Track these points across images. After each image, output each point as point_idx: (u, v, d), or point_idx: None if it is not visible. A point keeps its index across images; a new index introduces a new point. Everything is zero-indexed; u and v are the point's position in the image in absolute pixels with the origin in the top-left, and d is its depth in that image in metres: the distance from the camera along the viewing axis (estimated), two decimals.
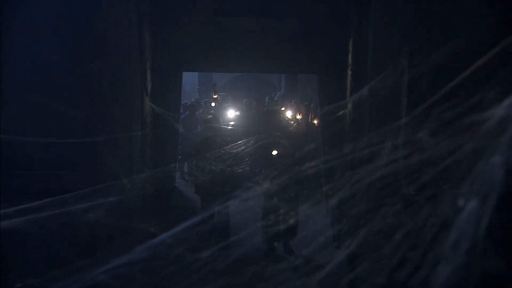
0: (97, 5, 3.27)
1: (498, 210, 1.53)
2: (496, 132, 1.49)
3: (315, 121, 7.45)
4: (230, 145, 4.86)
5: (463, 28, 2.41)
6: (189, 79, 13.91)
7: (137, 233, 3.53)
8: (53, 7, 3.16)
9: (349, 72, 4.30)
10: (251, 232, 4.38)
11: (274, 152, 4.80)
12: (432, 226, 1.91)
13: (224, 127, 5.16)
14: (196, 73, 14.69)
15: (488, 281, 1.74)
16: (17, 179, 2.92)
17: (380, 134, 3.18)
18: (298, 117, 8.68)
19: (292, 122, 8.61)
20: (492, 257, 1.61)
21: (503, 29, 1.67)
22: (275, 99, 11.08)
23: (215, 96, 10.69)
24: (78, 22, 3.21)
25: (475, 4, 2.27)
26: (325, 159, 5.22)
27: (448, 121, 2.00)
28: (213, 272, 3.31)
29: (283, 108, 9.77)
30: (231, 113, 8.87)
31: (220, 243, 4.25)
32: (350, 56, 4.31)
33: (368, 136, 3.23)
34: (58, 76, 3.16)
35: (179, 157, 7.69)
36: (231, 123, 8.63)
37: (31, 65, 3.08)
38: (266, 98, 10.54)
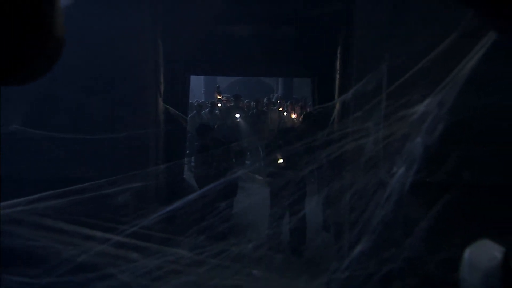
0: (118, 17, 3.45)
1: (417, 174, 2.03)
2: (419, 122, 1.87)
3: None
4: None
5: (428, 39, 2.64)
6: (196, 82, 14.06)
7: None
8: (79, 20, 3.34)
9: (338, 76, 4.48)
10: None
11: (280, 161, 4.65)
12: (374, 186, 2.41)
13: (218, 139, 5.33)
14: (202, 76, 14.84)
15: (410, 220, 2.39)
16: (54, 169, 3.14)
17: (363, 130, 3.39)
18: (293, 116, 8.87)
19: (287, 121, 8.81)
20: (412, 205, 2.15)
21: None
22: (273, 100, 11.25)
23: (220, 97, 10.84)
24: (103, 34, 3.39)
25: (436, 22, 2.55)
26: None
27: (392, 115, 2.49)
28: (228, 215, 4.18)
29: (280, 109, 9.97)
30: (237, 115, 8.93)
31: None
32: (338, 62, 4.49)
33: (352, 132, 3.42)
34: (86, 80, 3.36)
35: (187, 151, 7.85)
36: (238, 119, 8.73)
37: (64, 70, 3.26)
38: (265, 99, 10.71)
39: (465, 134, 2.00)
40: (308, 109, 8.89)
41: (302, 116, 5.26)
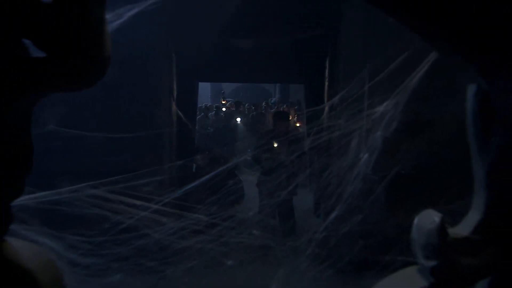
0: (140, 35, 3.66)
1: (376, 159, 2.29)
2: (379, 119, 2.11)
3: (298, 124, 7.73)
4: None
5: (402, 51, 2.85)
6: (203, 88, 14.18)
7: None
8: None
9: (326, 83, 4.68)
10: None
11: (275, 145, 4.92)
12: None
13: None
14: (209, 82, 14.98)
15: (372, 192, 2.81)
16: (86, 164, 3.39)
17: (348, 129, 3.60)
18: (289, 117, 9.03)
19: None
20: (372, 181, 2.41)
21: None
22: (271, 103, 11.42)
23: (224, 102, 11.02)
24: (127, 48, 3.58)
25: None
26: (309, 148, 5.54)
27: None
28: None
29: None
30: (238, 119, 9.18)
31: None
32: (327, 71, 4.68)
33: (340, 131, 3.62)
34: (115, 88, 3.57)
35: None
36: (238, 122, 8.95)
37: None
38: (263, 103, 10.87)
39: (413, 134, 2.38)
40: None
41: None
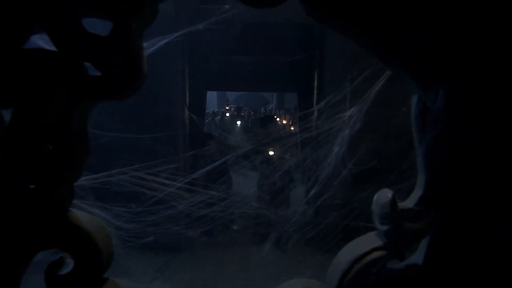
0: (158, 52, 3.84)
1: (345, 152, 2.50)
2: (347, 121, 2.31)
3: (292, 128, 7.82)
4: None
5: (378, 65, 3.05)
6: (211, 96, 14.27)
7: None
8: None
9: (315, 92, 4.86)
10: None
11: (271, 153, 4.97)
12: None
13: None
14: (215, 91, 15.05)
15: (343, 177, 3.13)
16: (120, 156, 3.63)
17: (332, 128, 3.79)
18: (284, 121, 9.15)
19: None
20: (342, 167, 2.64)
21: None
22: (269, 109, 11.53)
23: (227, 107, 11.15)
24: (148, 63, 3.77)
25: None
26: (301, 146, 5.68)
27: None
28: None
29: (275, 116, 10.27)
30: (238, 122, 9.38)
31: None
32: (315, 82, 4.86)
33: (326, 130, 3.82)
34: (139, 97, 3.76)
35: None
36: (238, 125, 9.14)
37: None
38: (262, 109, 10.98)
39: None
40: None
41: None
